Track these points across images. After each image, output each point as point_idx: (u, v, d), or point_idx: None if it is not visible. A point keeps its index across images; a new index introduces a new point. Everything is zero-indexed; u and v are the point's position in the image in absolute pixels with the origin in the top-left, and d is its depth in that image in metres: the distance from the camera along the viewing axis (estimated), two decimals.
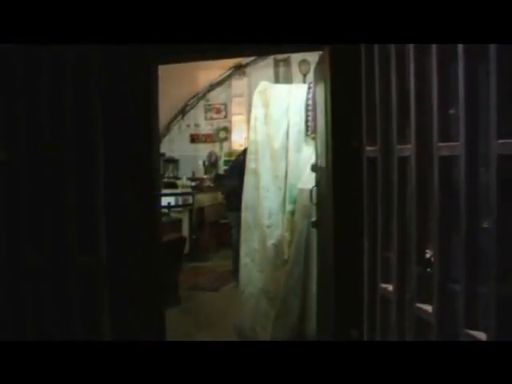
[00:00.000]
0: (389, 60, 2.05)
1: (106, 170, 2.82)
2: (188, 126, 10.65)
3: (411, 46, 1.87)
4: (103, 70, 2.81)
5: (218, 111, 10.49)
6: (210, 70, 9.72)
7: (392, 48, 2.02)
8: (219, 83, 10.38)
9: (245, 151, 5.04)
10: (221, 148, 10.40)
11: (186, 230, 7.94)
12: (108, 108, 2.84)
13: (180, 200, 8.07)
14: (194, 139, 10.58)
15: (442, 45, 1.72)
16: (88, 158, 2.81)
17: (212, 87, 10.50)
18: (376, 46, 2.14)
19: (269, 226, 4.11)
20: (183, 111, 10.66)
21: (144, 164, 2.89)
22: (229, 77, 10.17)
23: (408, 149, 1.89)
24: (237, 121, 10.08)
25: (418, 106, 1.83)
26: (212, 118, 10.56)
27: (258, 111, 4.24)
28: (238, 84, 10.06)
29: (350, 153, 2.42)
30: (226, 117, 10.38)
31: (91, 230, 2.83)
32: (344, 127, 2.51)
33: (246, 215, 4.26)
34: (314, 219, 3.42)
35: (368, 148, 2.24)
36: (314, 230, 3.63)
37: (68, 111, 2.78)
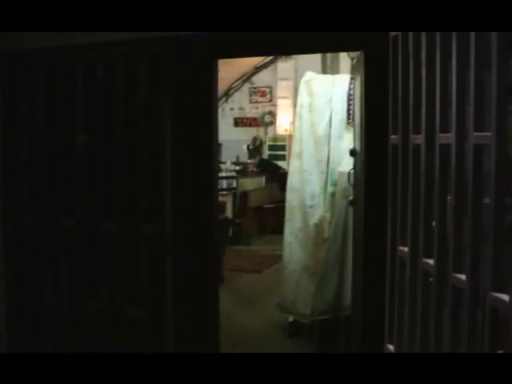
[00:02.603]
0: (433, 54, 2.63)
1: (173, 153, 3.65)
2: (232, 109, 11.37)
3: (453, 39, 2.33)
4: (170, 64, 3.64)
5: (264, 94, 11.16)
6: None
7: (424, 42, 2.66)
8: (265, 65, 10.99)
9: None
10: (266, 133, 11.10)
11: (229, 214, 8.76)
12: (174, 99, 3.67)
13: (224, 183, 8.88)
14: (238, 123, 11.32)
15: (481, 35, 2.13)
16: (157, 142, 3.65)
17: (257, 69, 11.15)
18: (411, 45, 2.81)
19: (311, 207, 4.89)
20: (227, 94, 11.37)
21: (205, 149, 3.70)
22: (274, 59, 10.75)
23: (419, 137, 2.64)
24: (282, 105, 10.69)
25: (459, 96, 2.32)
26: (257, 102, 11.24)
27: (303, 100, 5.01)
28: (284, 67, 10.62)
29: (379, 140, 3.16)
30: (271, 100, 11.04)
31: (159, 203, 3.68)
32: (376, 118, 3.26)
33: (290, 196, 5.06)
34: (351, 198, 4.19)
35: (393, 136, 2.99)
36: (351, 212, 4.39)
37: (141, 103, 3.63)
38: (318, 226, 4.86)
